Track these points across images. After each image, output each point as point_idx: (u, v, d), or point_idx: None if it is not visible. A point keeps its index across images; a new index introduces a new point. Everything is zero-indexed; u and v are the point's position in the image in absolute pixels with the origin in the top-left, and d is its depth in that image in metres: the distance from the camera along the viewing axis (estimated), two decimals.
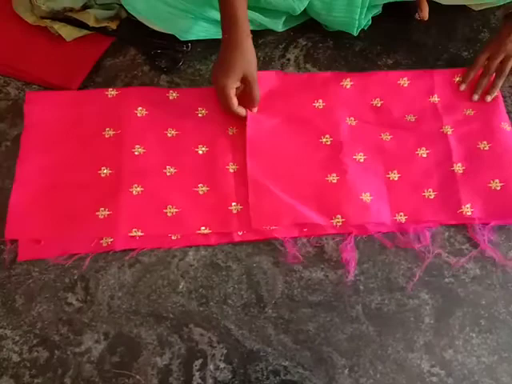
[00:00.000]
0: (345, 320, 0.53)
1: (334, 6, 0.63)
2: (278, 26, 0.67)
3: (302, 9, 0.63)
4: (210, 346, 0.51)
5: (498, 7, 0.72)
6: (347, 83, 0.65)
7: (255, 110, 0.61)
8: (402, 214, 0.57)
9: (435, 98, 0.64)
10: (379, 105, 0.64)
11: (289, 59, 0.68)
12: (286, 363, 0.51)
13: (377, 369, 0.51)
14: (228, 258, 0.55)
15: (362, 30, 0.68)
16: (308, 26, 0.70)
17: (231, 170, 0.59)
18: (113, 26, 0.67)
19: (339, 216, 0.56)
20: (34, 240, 0.54)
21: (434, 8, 0.67)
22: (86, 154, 0.59)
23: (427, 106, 0.64)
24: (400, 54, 0.69)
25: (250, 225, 0.55)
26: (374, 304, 0.53)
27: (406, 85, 0.65)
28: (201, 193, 0.58)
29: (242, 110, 0.60)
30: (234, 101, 0.58)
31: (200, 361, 0.50)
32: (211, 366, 0.50)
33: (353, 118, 0.63)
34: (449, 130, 0.62)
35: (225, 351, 0.51)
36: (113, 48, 0.67)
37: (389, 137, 0.62)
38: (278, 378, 0.50)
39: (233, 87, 0.57)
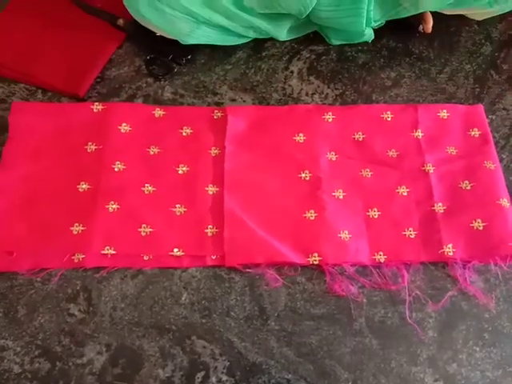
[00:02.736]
0: (348, 333, 0.52)
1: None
2: (282, 34, 0.67)
3: (310, 8, 0.61)
4: (212, 359, 0.51)
5: (500, 20, 0.74)
6: (329, 117, 0.64)
7: None
8: (381, 253, 0.56)
9: (419, 133, 0.63)
10: (361, 139, 0.63)
11: (292, 71, 0.69)
12: (289, 376, 0.50)
13: (380, 382, 0.50)
14: (231, 269, 0.55)
15: (365, 43, 0.68)
16: (311, 39, 0.71)
17: (210, 192, 0.58)
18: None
19: (316, 254, 0.55)
20: (6, 251, 0.54)
21: (437, 21, 0.68)
22: (66, 168, 0.59)
23: (410, 142, 0.63)
24: (403, 67, 0.70)
25: (224, 261, 0.55)
26: (377, 317, 0.53)
27: (389, 119, 0.64)
28: (178, 213, 0.57)
29: None
30: None
31: (202, 373, 0.50)
32: (213, 379, 0.50)
33: (333, 153, 0.62)
34: (431, 168, 0.61)
35: (227, 364, 0.51)
36: (117, 59, 0.68)
37: (369, 173, 0.61)
38: None
39: None
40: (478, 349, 0.52)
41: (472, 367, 0.51)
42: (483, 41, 0.73)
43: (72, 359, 0.50)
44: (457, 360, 0.52)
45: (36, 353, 0.50)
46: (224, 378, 0.50)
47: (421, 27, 0.68)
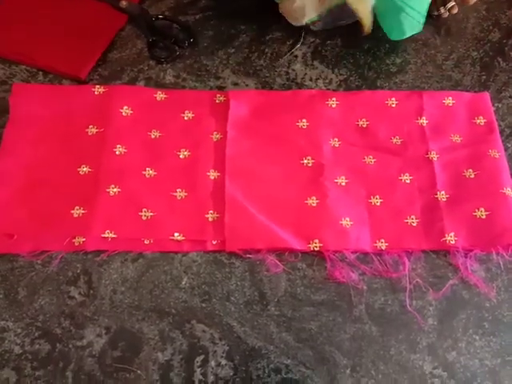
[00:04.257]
0: (347, 320, 0.52)
1: None
2: None
3: None
4: (211, 343, 0.51)
5: (509, 6, 0.72)
6: (333, 102, 0.63)
7: None
8: (382, 240, 0.55)
9: (423, 120, 0.63)
10: (365, 125, 0.62)
11: (296, 56, 0.68)
12: (288, 361, 0.50)
13: (379, 369, 0.50)
14: (231, 254, 0.55)
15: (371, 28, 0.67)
16: None
17: (211, 177, 0.58)
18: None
19: (317, 240, 0.55)
20: (6, 234, 0.54)
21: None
22: (67, 151, 0.58)
23: (414, 129, 0.62)
24: (408, 53, 0.69)
25: (225, 246, 0.54)
26: (377, 304, 0.53)
27: (393, 105, 0.63)
28: (178, 198, 0.57)
29: None
30: None
31: (201, 357, 0.50)
32: (213, 363, 0.50)
33: (337, 139, 0.61)
34: (434, 156, 0.60)
35: (226, 348, 0.51)
36: (119, 41, 0.67)
37: (372, 160, 0.60)
38: (279, 376, 0.50)
39: None
40: (477, 337, 0.52)
41: (471, 355, 0.51)
42: (491, 27, 0.72)
43: (72, 341, 0.50)
44: (456, 348, 0.52)
45: (36, 334, 0.50)
46: (223, 362, 0.50)
47: (443, 9, 0.67)
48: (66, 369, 0.49)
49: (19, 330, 0.50)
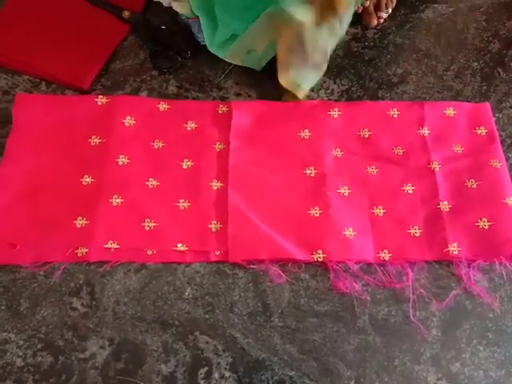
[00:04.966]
0: (351, 331, 0.52)
1: None
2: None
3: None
4: (215, 354, 0.51)
5: (508, 17, 0.73)
6: (335, 113, 0.64)
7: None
8: (385, 251, 0.56)
9: (425, 131, 0.63)
10: (367, 136, 0.63)
11: None
12: (292, 373, 0.50)
13: (383, 380, 0.50)
14: (235, 265, 0.55)
15: (372, 39, 0.68)
16: None
17: (214, 188, 0.58)
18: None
19: (320, 251, 0.55)
20: (9, 244, 0.53)
21: (444, 19, 0.67)
22: (69, 161, 0.58)
23: (416, 139, 0.63)
24: (410, 64, 0.69)
25: (228, 257, 0.54)
26: (380, 315, 0.53)
27: (395, 115, 0.64)
28: (181, 208, 0.57)
29: None
30: None
31: (205, 369, 0.50)
32: (216, 375, 0.50)
33: (339, 150, 0.62)
34: (436, 166, 0.61)
35: (230, 360, 0.50)
36: (122, 52, 0.67)
37: (375, 170, 0.60)
38: None
39: None
40: (481, 348, 0.52)
41: (475, 366, 0.51)
42: (491, 38, 0.72)
43: (75, 353, 0.50)
44: (460, 359, 0.51)
45: (39, 346, 0.50)
46: (227, 374, 0.50)
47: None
48: (69, 381, 0.49)
49: (21, 342, 0.50)
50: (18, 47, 0.65)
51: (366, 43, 0.70)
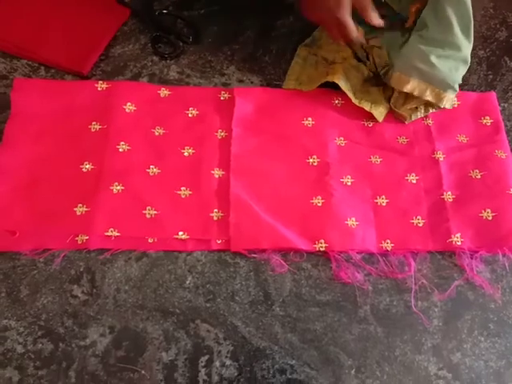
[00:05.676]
0: (352, 320, 0.52)
1: None
2: None
3: None
4: (216, 343, 0.50)
5: None
6: (338, 101, 0.63)
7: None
8: (388, 241, 0.55)
9: (429, 120, 0.62)
10: (371, 125, 0.62)
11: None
12: (293, 362, 0.50)
13: (384, 370, 0.50)
14: (236, 254, 0.54)
15: None
16: None
17: (216, 176, 0.57)
18: None
19: (322, 241, 0.54)
20: (9, 231, 0.53)
21: None
22: (69, 147, 0.58)
23: (420, 128, 0.62)
24: None
25: (229, 246, 0.54)
26: (382, 305, 0.53)
27: None
28: (183, 196, 0.56)
29: (362, 39, 0.58)
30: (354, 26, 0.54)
31: (206, 357, 0.50)
32: (217, 363, 0.50)
33: (342, 138, 0.61)
34: (441, 156, 0.60)
35: (231, 348, 0.50)
36: (122, 36, 0.66)
37: (378, 160, 0.60)
38: (284, 376, 0.50)
39: (349, 11, 0.53)
40: (482, 339, 0.52)
41: (476, 357, 0.51)
42: (498, 26, 0.71)
43: (75, 341, 0.50)
44: (461, 349, 0.51)
45: (39, 333, 0.50)
46: (228, 362, 0.50)
47: None
48: (69, 368, 0.48)
49: (22, 329, 0.50)
50: (16, 31, 0.64)
51: None
